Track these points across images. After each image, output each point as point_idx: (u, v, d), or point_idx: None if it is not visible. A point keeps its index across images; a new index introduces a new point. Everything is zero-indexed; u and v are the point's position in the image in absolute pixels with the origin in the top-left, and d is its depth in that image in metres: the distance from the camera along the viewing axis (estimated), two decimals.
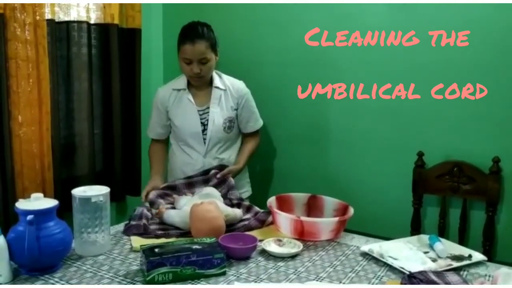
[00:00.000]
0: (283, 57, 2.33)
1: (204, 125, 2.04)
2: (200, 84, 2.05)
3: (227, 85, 2.09)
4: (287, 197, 1.82)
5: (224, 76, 2.12)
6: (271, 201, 1.74)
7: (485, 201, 1.87)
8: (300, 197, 1.84)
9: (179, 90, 2.06)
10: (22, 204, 1.30)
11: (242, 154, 2.10)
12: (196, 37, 1.91)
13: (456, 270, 1.36)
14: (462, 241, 1.92)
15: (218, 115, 2.05)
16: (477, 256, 1.45)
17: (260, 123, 2.20)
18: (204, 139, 2.04)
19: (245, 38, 2.41)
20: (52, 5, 2.02)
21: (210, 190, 1.82)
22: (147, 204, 1.81)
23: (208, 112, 2.04)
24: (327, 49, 2.19)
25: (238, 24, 2.41)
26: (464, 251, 1.50)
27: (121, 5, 2.31)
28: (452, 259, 1.44)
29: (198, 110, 2.04)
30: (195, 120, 2.03)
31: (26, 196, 1.82)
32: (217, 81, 2.07)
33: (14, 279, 1.26)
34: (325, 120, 2.25)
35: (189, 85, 2.07)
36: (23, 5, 1.87)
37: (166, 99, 2.06)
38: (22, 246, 1.23)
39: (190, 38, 1.92)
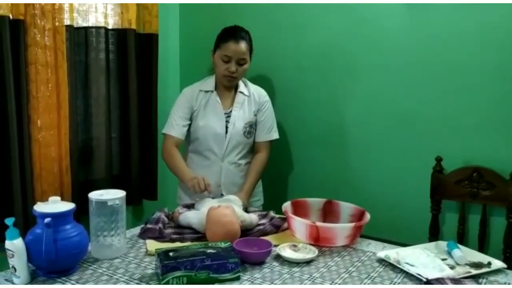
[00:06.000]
0: (300, 61, 2.32)
1: (226, 128, 2.06)
2: (230, 85, 2.07)
3: (251, 92, 2.13)
4: (302, 202, 1.81)
5: (250, 84, 2.16)
6: (286, 206, 1.73)
7: (505, 207, 1.83)
8: (315, 202, 1.82)
9: (206, 91, 2.08)
10: (40, 207, 1.31)
11: (248, 179, 2.07)
12: (241, 37, 2.00)
13: (475, 277, 1.34)
14: (482, 248, 1.88)
15: (239, 118, 2.07)
16: (497, 263, 1.42)
17: (273, 136, 2.17)
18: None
19: (262, 43, 2.40)
20: (71, 11, 2.06)
21: (232, 197, 1.83)
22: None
23: (230, 116, 2.06)
24: (344, 52, 2.18)
25: (254, 29, 2.39)
26: (483, 258, 1.47)
27: (138, 10, 2.35)
28: (471, 266, 1.41)
29: (224, 113, 2.07)
30: (221, 121, 2.05)
31: (44, 199, 1.85)
32: (242, 87, 2.11)
33: (32, 281, 1.28)
34: (342, 124, 2.23)
35: (216, 87, 2.09)
36: (42, 11, 1.91)
37: (194, 98, 2.07)
38: (40, 249, 1.25)
39: (235, 37, 1.99)
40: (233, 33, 2.01)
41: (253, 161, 2.14)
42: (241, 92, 2.10)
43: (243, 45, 1.99)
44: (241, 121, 2.07)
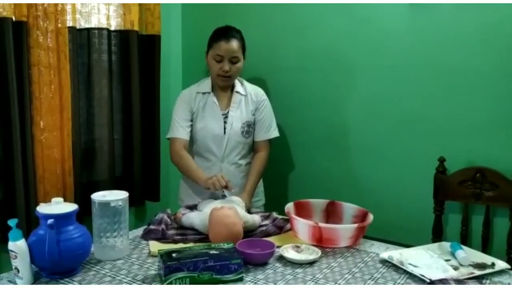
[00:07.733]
0: (301, 62, 2.32)
1: (224, 129, 2.06)
2: (225, 85, 2.07)
3: (248, 92, 2.12)
4: (305, 203, 1.81)
5: (246, 83, 2.16)
6: (289, 207, 1.73)
7: (509, 208, 1.83)
8: (318, 203, 1.82)
9: (203, 93, 2.08)
10: (43, 208, 1.31)
11: (250, 179, 2.05)
12: (231, 36, 2.01)
13: (479, 278, 1.33)
14: (485, 249, 1.87)
15: (237, 119, 2.07)
16: (500, 264, 1.42)
17: (273, 134, 2.16)
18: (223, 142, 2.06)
19: (263, 44, 2.42)
20: (74, 12, 2.06)
21: (235, 198, 1.83)
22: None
23: (228, 116, 2.06)
24: (345, 53, 2.18)
25: (256, 30, 2.41)
26: (487, 259, 1.46)
27: (140, 11, 2.35)
28: (475, 267, 1.41)
29: (222, 114, 2.07)
30: (219, 122, 2.06)
31: (47, 200, 1.85)
32: (238, 87, 2.11)
33: (35, 282, 1.28)
34: (344, 125, 2.23)
35: (213, 88, 2.09)
36: (45, 13, 1.91)
37: (192, 100, 2.08)
38: (43, 250, 1.25)
39: (225, 36, 2.00)
40: (224, 32, 2.02)
41: (253, 161, 2.13)
42: (238, 92, 2.10)
43: (234, 44, 1.99)
44: (238, 121, 2.07)
